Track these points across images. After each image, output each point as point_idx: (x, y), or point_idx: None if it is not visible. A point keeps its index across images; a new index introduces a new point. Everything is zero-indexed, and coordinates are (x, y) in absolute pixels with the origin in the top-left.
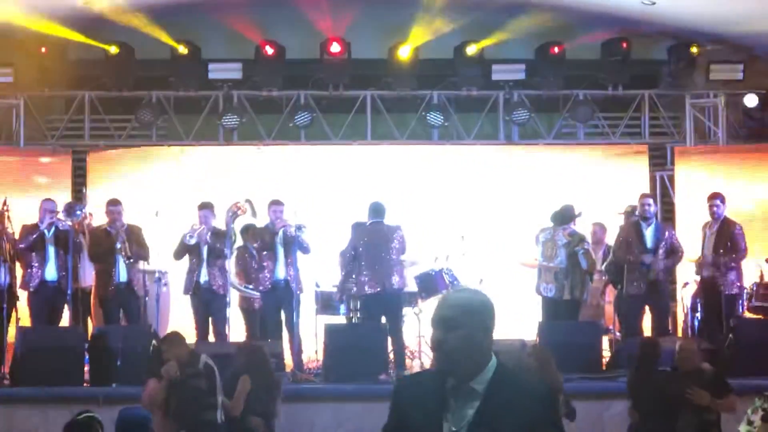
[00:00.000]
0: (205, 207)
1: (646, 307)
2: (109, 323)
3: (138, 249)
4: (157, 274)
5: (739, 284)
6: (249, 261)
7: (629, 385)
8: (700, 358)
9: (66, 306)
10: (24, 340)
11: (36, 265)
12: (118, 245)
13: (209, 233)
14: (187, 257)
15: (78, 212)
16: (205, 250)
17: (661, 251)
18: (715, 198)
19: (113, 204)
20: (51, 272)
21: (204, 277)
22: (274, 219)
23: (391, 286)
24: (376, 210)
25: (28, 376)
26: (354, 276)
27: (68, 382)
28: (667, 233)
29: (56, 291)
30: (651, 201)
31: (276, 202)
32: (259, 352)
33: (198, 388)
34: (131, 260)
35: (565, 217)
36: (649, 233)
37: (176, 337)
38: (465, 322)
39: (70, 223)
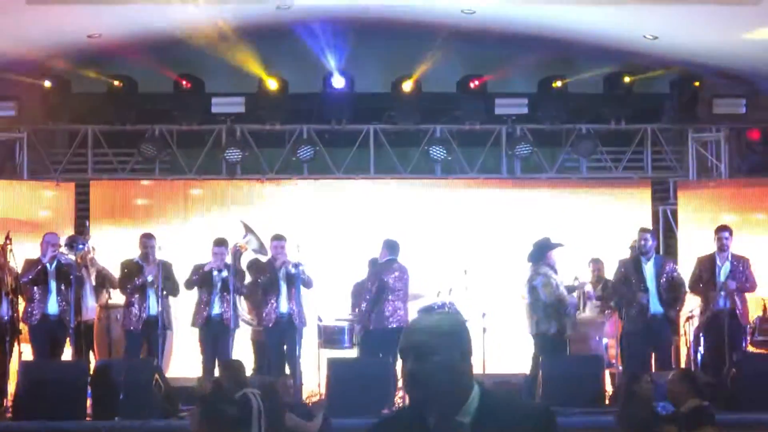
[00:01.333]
0: (221, 243)
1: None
2: (131, 356)
3: (169, 284)
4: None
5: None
6: (257, 294)
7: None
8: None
9: (68, 340)
10: (26, 373)
11: (38, 298)
12: (150, 278)
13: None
14: (196, 290)
15: (80, 246)
16: (220, 284)
17: (663, 285)
18: (724, 230)
19: (147, 237)
20: (53, 306)
21: (216, 310)
22: (276, 254)
23: (390, 324)
24: (392, 247)
25: (31, 410)
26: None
27: (70, 417)
28: (667, 267)
29: (58, 324)
30: (649, 236)
31: (278, 237)
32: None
33: (226, 416)
34: (164, 294)
35: (539, 252)
36: (648, 268)
37: (234, 363)
38: (440, 347)
39: (72, 257)
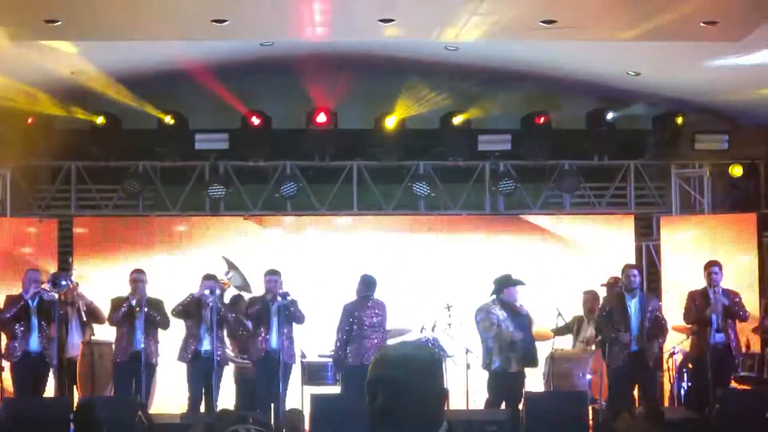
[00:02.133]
0: (211, 278)
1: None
2: (120, 391)
3: (160, 317)
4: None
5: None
6: (241, 332)
7: None
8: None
9: (52, 376)
10: (8, 410)
11: (20, 335)
12: (134, 302)
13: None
14: (183, 324)
15: (63, 282)
16: (210, 317)
17: (646, 323)
18: (714, 265)
19: (137, 272)
20: (34, 343)
21: (206, 346)
22: (270, 288)
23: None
24: (368, 283)
25: None
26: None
27: None
28: (651, 305)
29: (40, 362)
30: (636, 272)
31: (272, 272)
32: None
33: None
34: (157, 325)
35: (497, 288)
36: (633, 305)
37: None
38: (415, 385)
39: (55, 294)
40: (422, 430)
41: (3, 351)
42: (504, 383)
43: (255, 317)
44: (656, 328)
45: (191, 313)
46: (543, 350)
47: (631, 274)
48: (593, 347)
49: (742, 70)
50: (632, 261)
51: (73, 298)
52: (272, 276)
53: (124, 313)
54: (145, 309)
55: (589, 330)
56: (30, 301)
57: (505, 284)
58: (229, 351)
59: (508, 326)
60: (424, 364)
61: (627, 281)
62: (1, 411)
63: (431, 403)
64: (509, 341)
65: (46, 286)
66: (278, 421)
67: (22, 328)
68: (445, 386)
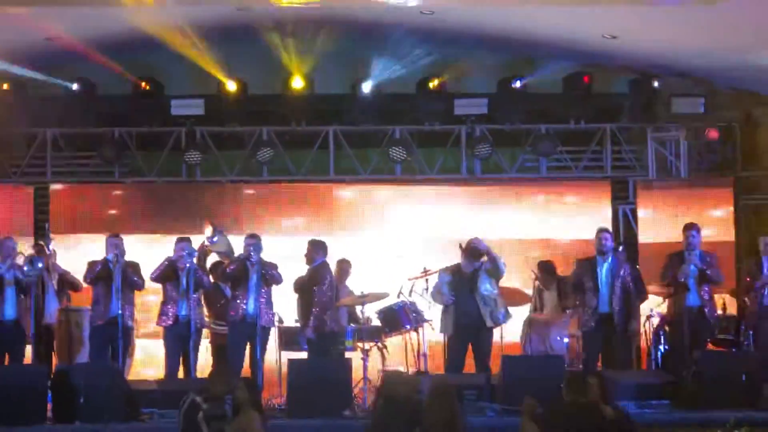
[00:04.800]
0: (185, 240)
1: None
2: (96, 357)
3: (136, 277)
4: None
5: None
6: (218, 299)
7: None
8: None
9: (29, 344)
10: None
11: None
12: (111, 257)
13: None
14: (160, 288)
15: (40, 265)
16: (185, 281)
17: (616, 288)
18: (691, 228)
19: (114, 236)
20: (9, 312)
21: (184, 310)
22: (249, 251)
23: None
24: (324, 248)
25: None
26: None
27: (31, 421)
28: (623, 271)
29: (13, 330)
30: (608, 235)
31: (252, 236)
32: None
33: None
34: (133, 286)
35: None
36: (604, 269)
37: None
38: None
39: (31, 274)
40: None
41: None
42: (450, 346)
43: (232, 278)
44: (628, 301)
45: (169, 276)
46: (521, 314)
47: (603, 237)
48: (569, 310)
49: (718, 33)
50: (609, 225)
51: (48, 266)
52: (251, 239)
53: (99, 272)
54: (121, 265)
55: (555, 296)
56: (5, 275)
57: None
58: (206, 317)
59: (445, 290)
60: None
61: (599, 244)
62: None
63: None
64: (440, 303)
65: (23, 265)
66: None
67: None
68: None
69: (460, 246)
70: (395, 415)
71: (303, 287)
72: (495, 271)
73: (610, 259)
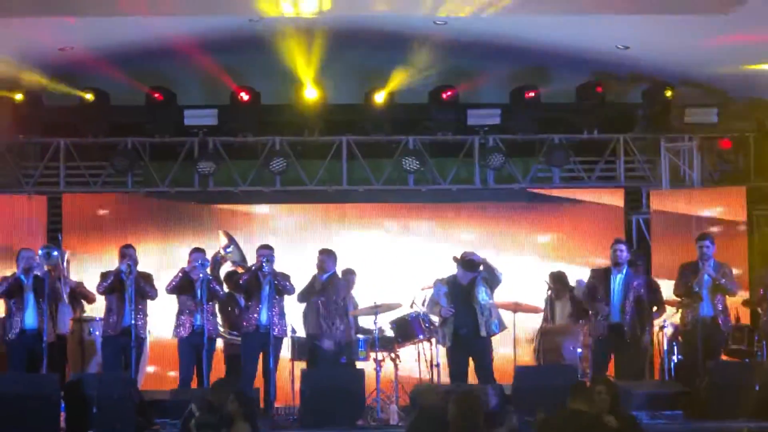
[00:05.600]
0: (199, 251)
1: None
2: (109, 367)
3: (149, 287)
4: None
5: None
6: (233, 308)
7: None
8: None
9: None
10: None
11: (14, 312)
12: (123, 267)
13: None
14: (176, 299)
15: (55, 253)
16: (200, 292)
17: (629, 299)
18: (705, 239)
19: (127, 247)
20: (30, 320)
21: (198, 320)
22: (262, 261)
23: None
24: (336, 258)
25: (3, 424)
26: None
27: (44, 431)
28: (635, 282)
29: (35, 339)
30: (623, 246)
31: (265, 247)
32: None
33: None
34: (146, 296)
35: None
36: (618, 280)
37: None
38: None
39: (46, 267)
40: None
41: None
42: (449, 358)
43: (246, 288)
44: (641, 312)
45: (184, 288)
46: (533, 324)
47: (618, 249)
48: (582, 321)
49: (731, 43)
50: (621, 235)
51: (60, 275)
52: (264, 250)
53: (113, 282)
54: (134, 275)
55: (567, 306)
56: (23, 278)
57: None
58: (220, 327)
59: (443, 302)
60: None
61: (614, 255)
62: None
63: None
64: (441, 317)
65: (37, 258)
66: (269, 396)
67: (17, 306)
68: None
69: (455, 259)
70: (428, 425)
71: (310, 296)
72: (492, 280)
73: (624, 270)
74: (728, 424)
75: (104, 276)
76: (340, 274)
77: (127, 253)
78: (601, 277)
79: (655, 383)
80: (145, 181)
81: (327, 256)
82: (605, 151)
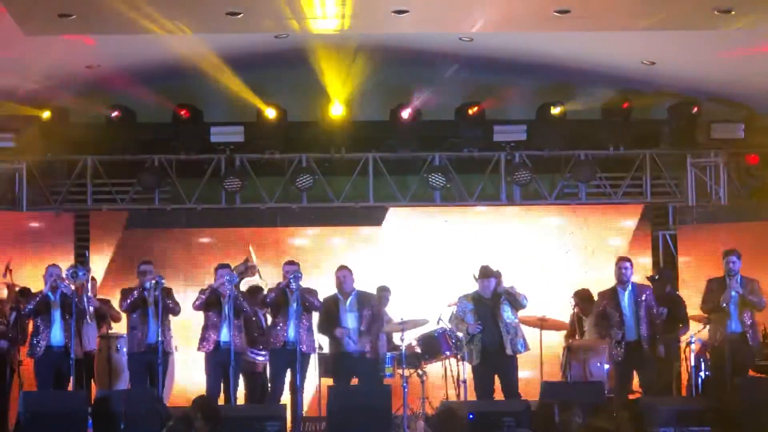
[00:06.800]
0: (224, 267)
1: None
2: (136, 383)
3: (171, 302)
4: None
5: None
6: (254, 324)
7: None
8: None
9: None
10: (27, 404)
11: (42, 330)
12: (148, 285)
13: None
14: (202, 314)
15: (81, 274)
16: (227, 308)
17: (641, 314)
18: (732, 254)
19: (146, 263)
20: (57, 337)
21: (225, 336)
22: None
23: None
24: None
25: None
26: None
27: None
28: (644, 295)
29: (62, 356)
30: (628, 264)
31: (291, 263)
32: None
33: None
34: (169, 311)
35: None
36: (626, 297)
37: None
38: None
39: (73, 286)
40: None
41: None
42: (475, 375)
43: (273, 305)
44: (653, 324)
45: (213, 304)
46: (559, 340)
47: (623, 266)
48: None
49: (757, 58)
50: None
51: (86, 293)
52: (290, 266)
53: (135, 299)
54: (156, 293)
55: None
56: (50, 295)
57: (479, 276)
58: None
59: (469, 319)
60: None
61: (619, 274)
62: (20, 405)
63: None
64: (468, 335)
65: (64, 277)
66: (297, 413)
67: (44, 323)
68: None
69: (474, 277)
70: None
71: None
72: (515, 303)
73: (630, 287)
74: None
75: (125, 293)
76: (374, 291)
77: (147, 270)
78: (610, 297)
79: (683, 399)
80: (172, 198)
81: (348, 272)
82: (631, 167)
